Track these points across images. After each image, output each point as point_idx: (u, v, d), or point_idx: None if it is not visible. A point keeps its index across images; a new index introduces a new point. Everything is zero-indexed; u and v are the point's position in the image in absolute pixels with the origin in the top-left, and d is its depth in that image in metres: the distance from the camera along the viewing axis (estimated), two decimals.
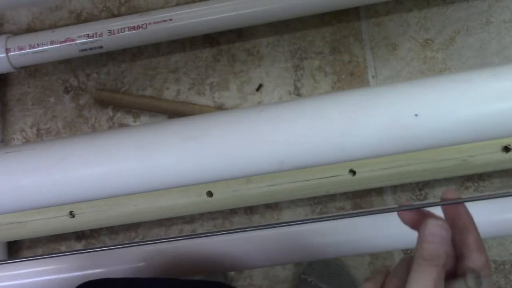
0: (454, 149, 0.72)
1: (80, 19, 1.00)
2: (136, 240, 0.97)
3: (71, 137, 0.43)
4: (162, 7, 0.96)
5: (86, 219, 0.85)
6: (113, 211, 0.85)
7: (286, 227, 0.67)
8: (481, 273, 0.36)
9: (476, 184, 0.88)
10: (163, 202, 0.84)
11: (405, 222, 0.39)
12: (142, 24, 0.87)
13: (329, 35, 0.93)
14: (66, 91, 1.01)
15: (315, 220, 0.40)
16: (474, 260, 0.37)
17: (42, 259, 0.70)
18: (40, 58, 0.90)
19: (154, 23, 0.86)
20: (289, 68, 0.94)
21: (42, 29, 1.00)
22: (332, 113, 0.37)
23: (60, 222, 0.86)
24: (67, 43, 0.88)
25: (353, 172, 0.75)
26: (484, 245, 0.37)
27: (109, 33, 0.87)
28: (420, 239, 0.36)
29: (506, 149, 0.69)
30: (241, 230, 0.41)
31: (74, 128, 1.00)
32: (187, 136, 0.38)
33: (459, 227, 0.37)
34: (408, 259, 0.38)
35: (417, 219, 0.38)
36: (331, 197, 0.92)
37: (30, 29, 1.02)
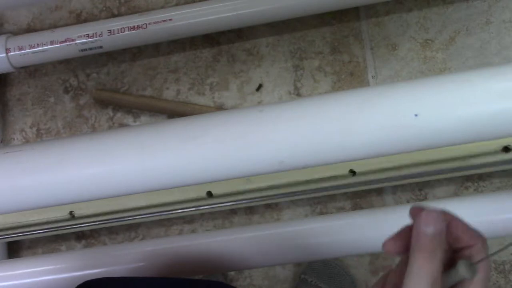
0: (454, 149, 0.72)
1: (80, 19, 1.00)
2: (136, 240, 0.97)
3: (71, 137, 0.43)
4: (162, 7, 0.96)
5: (86, 219, 0.85)
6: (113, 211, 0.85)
7: (286, 227, 0.67)
8: (473, 259, 0.36)
9: (476, 184, 0.88)
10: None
11: (393, 253, 0.37)
12: (142, 24, 0.86)
13: (329, 35, 0.93)
14: (66, 91, 1.01)
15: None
16: (469, 249, 0.36)
17: (42, 259, 0.70)
18: (40, 58, 0.90)
19: (154, 23, 0.86)
20: (289, 68, 0.94)
21: (42, 29, 1.00)
22: (332, 113, 0.37)
23: (60, 222, 0.86)
24: (67, 43, 0.88)
25: (353, 172, 0.75)
26: (476, 231, 0.36)
27: (109, 33, 0.87)
28: (415, 232, 0.36)
29: (506, 149, 0.69)
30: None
31: (74, 128, 1.00)
32: (187, 136, 0.38)
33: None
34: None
35: (402, 244, 0.37)
36: (331, 197, 0.92)
37: (30, 29, 1.02)
